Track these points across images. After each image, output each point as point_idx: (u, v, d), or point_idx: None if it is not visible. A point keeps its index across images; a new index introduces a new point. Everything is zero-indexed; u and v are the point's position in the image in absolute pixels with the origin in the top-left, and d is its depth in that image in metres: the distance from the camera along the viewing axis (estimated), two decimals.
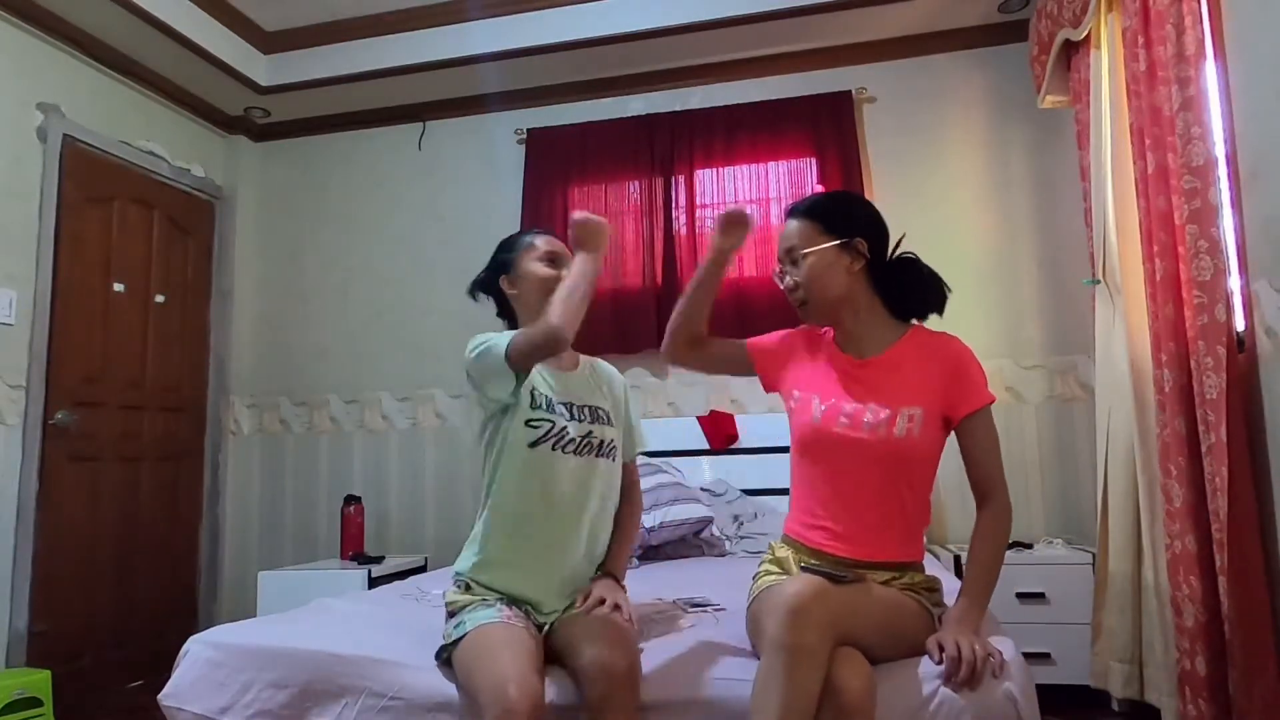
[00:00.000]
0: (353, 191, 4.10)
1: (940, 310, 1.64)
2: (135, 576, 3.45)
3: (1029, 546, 2.99)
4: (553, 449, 1.70)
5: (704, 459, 3.36)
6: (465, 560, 1.72)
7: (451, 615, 1.63)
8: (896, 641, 1.42)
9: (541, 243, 1.85)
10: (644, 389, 3.61)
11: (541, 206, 3.72)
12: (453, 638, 1.54)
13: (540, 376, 1.77)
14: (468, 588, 1.68)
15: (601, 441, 1.77)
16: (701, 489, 3.16)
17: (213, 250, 4.03)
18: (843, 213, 1.62)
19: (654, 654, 1.57)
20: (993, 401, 1.58)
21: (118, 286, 3.45)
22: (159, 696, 1.68)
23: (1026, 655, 1.45)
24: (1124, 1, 2.38)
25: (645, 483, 3.04)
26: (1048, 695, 1.87)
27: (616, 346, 3.55)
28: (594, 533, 1.74)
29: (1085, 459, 3.13)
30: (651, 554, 2.92)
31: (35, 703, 2.63)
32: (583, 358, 1.91)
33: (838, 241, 1.58)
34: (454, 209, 3.94)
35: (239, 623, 1.90)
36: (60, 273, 3.17)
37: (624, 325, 3.55)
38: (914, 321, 1.66)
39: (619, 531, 1.82)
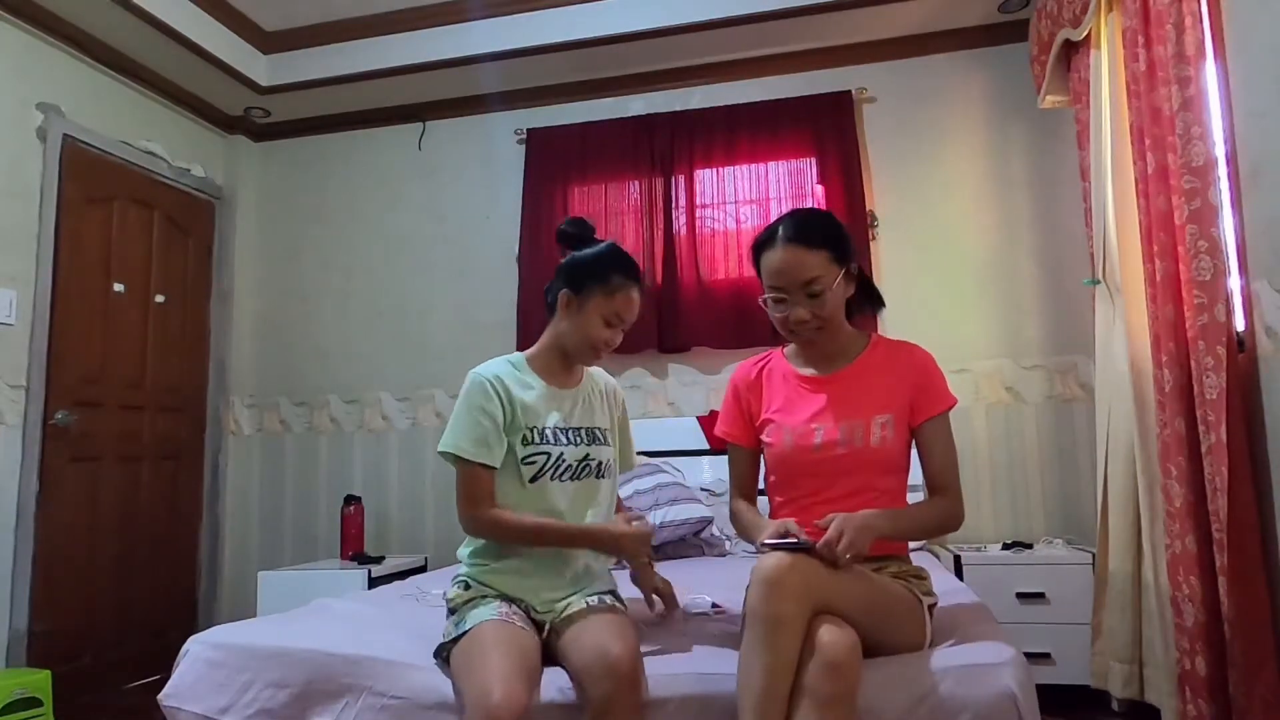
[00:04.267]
0: (353, 191, 4.09)
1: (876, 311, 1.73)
2: (135, 576, 3.45)
3: (1029, 546, 2.99)
4: (551, 479, 1.70)
5: (704, 459, 3.36)
6: (465, 563, 1.74)
7: (452, 613, 1.64)
8: (883, 621, 1.41)
9: (621, 301, 1.72)
10: (644, 389, 3.61)
11: (541, 206, 3.72)
12: (452, 635, 1.55)
13: (539, 399, 1.75)
14: (467, 585, 1.69)
15: (599, 463, 1.77)
16: (701, 489, 3.16)
17: (213, 250, 4.03)
18: (843, 238, 1.62)
19: (651, 651, 1.57)
20: (953, 404, 1.61)
21: (118, 286, 3.45)
22: (159, 696, 1.68)
23: (1026, 655, 1.45)
24: (1124, 1, 2.38)
25: (645, 483, 3.05)
26: (1048, 695, 1.87)
27: (616, 346, 3.54)
28: (596, 554, 1.76)
29: (1085, 459, 3.13)
30: (651, 554, 2.91)
31: (35, 703, 2.63)
32: (585, 370, 1.88)
33: (844, 270, 1.59)
34: (454, 209, 3.94)
35: (239, 623, 1.90)
36: (60, 273, 3.17)
37: None
38: (873, 333, 1.72)
39: None
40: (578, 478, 1.73)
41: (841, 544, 1.36)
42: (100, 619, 3.27)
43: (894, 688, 1.33)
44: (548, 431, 1.72)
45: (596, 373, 1.92)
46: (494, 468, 1.67)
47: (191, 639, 1.75)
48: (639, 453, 3.22)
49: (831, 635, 1.27)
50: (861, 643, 1.36)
